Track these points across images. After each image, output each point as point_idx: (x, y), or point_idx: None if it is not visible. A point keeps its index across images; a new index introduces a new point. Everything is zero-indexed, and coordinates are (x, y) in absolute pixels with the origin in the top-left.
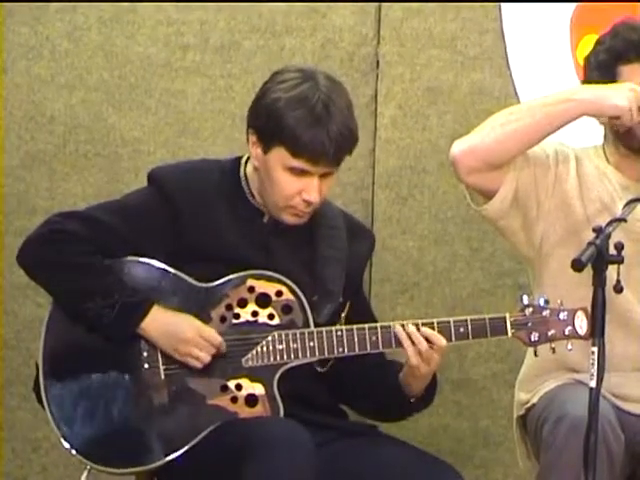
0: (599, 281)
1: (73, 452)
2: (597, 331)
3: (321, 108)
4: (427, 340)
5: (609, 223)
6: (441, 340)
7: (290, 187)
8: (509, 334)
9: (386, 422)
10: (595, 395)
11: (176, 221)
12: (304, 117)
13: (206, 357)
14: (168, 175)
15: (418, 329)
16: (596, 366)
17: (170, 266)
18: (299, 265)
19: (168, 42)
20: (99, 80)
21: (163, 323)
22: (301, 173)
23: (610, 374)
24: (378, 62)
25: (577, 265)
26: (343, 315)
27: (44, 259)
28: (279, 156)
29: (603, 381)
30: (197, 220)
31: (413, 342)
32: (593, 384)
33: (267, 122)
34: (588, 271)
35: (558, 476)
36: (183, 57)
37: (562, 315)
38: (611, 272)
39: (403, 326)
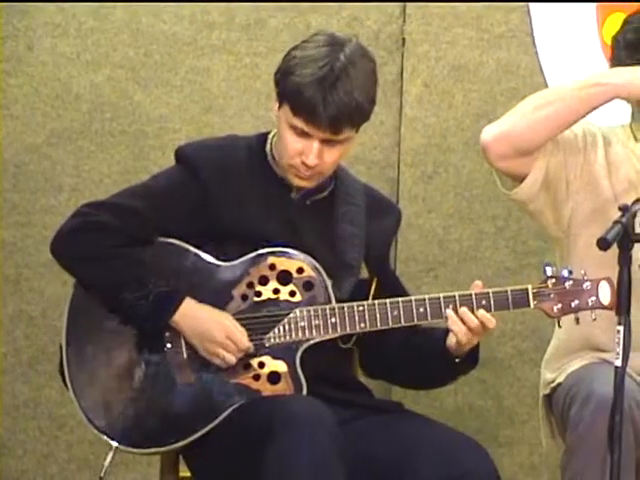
0: (624, 260)
1: (98, 433)
2: (622, 310)
3: (329, 71)
4: (481, 322)
5: (635, 202)
6: (492, 322)
7: (292, 146)
8: (532, 306)
9: (430, 389)
10: (620, 374)
11: (204, 197)
12: (309, 76)
13: (231, 359)
14: (195, 152)
15: (474, 313)
16: (622, 345)
17: (197, 244)
18: (323, 243)
19: (194, 20)
20: (125, 58)
21: (195, 319)
22: (302, 134)
23: (636, 353)
24: (404, 40)
25: (603, 244)
26: (371, 293)
27: (78, 252)
28: (284, 112)
29: (629, 360)
30: (224, 196)
31: (465, 323)
32: (618, 363)
33: (281, 78)
34: (614, 250)
35: (585, 455)
36: (209, 35)
37: (585, 285)
38: (637, 251)
39: (456, 310)
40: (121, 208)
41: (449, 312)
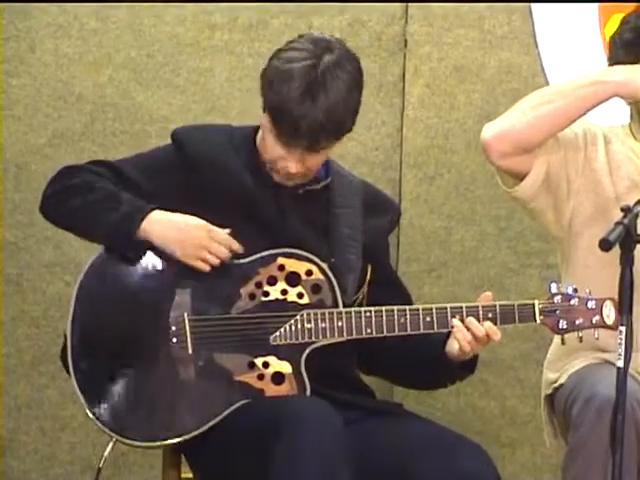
0: (626, 261)
1: (98, 424)
2: (624, 310)
3: (307, 88)
4: (487, 333)
5: (637, 202)
6: (497, 335)
7: (273, 151)
8: (537, 321)
9: (425, 390)
10: (622, 374)
11: (193, 174)
12: (287, 94)
13: (214, 260)
14: (189, 132)
15: (479, 321)
16: (624, 345)
17: None
18: (313, 232)
19: (196, 21)
20: (127, 59)
21: (170, 223)
22: (284, 143)
23: (638, 353)
24: (406, 41)
25: (605, 245)
26: (367, 279)
27: (65, 208)
28: (267, 119)
29: (631, 360)
30: (214, 173)
31: (471, 331)
32: (620, 363)
33: (262, 85)
34: (616, 251)
35: (587, 456)
36: (211, 36)
37: (590, 304)
38: (639, 252)
39: (462, 320)
40: (103, 163)
41: (455, 322)
